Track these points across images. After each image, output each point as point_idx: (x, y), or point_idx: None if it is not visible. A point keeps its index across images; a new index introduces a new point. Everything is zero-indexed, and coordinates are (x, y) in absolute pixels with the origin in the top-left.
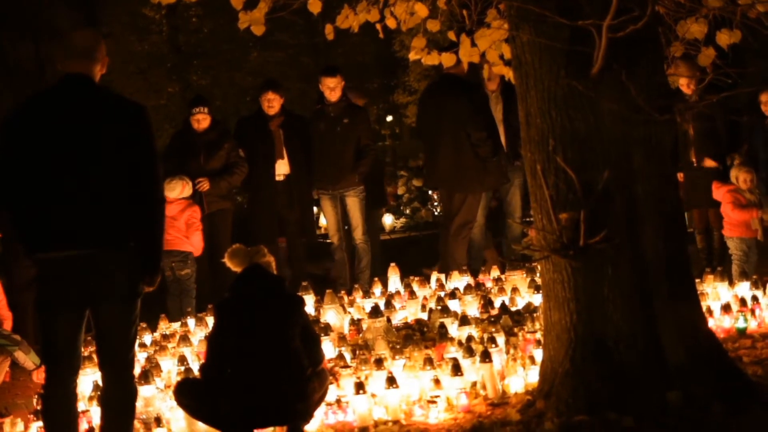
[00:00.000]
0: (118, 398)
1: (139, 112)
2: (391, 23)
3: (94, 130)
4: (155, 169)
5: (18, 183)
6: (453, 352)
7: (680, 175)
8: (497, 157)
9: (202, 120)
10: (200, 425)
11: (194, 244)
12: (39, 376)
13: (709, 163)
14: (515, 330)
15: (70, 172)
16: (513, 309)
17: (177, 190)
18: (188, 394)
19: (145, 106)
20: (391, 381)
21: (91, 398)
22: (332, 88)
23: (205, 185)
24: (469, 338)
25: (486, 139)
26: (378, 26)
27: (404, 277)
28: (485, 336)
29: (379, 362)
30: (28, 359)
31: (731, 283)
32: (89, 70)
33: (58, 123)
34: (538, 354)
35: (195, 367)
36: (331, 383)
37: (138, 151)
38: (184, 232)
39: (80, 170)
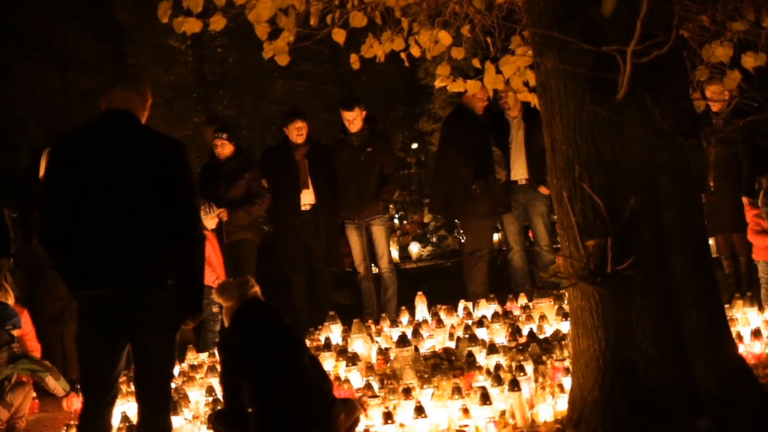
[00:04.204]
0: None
1: (178, 149)
2: (415, 51)
3: (133, 167)
4: (194, 208)
5: (58, 220)
6: (481, 380)
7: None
8: (484, 185)
9: (220, 146)
10: None
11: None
12: (68, 404)
13: (745, 200)
14: (544, 358)
15: (109, 209)
16: (541, 337)
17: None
18: (225, 422)
19: (184, 144)
20: (420, 410)
21: (119, 429)
22: (351, 120)
23: (224, 215)
24: (498, 367)
25: (461, 166)
26: (403, 55)
27: (431, 305)
28: (513, 364)
29: (407, 392)
30: (58, 385)
31: (761, 308)
32: (132, 105)
33: (98, 159)
34: (567, 382)
35: None
36: (360, 413)
37: (177, 190)
38: None
39: (119, 208)
